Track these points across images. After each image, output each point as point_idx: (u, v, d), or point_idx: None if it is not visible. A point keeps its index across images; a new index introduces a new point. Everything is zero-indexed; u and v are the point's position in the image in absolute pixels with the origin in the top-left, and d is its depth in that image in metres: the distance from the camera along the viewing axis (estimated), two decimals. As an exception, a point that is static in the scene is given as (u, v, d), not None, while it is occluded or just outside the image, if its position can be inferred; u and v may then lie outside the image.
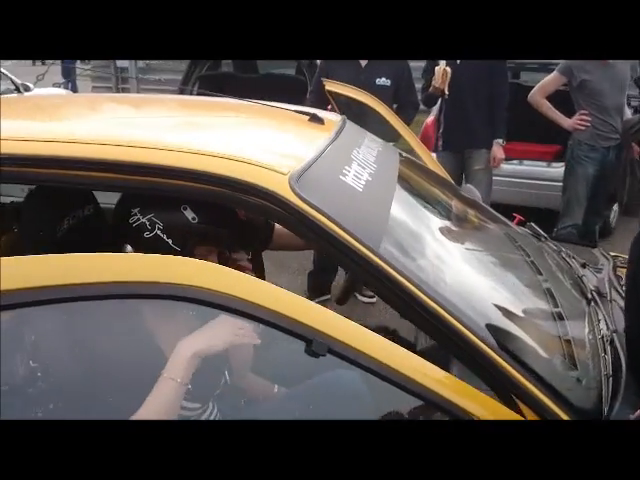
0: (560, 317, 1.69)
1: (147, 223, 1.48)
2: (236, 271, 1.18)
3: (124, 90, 11.30)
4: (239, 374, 1.58)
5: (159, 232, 1.48)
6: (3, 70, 8.10)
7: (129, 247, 1.50)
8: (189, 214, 1.50)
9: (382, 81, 4.26)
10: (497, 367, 1.32)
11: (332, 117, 2.16)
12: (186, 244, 1.50)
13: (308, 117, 1.92)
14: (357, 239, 1.34)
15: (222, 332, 1.32)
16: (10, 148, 1.42)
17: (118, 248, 1.51)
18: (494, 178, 4.61)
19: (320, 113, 2.05)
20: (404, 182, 1.97)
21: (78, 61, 12.64)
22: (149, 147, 1.43)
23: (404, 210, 1.75)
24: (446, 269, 1.59)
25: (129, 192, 1.51)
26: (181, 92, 6.51)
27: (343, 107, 3.73)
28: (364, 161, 1.77)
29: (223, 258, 1.60)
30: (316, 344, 1.12)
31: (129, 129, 1.66)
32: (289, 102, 2.58)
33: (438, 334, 1.35)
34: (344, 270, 1.40)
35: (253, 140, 1.67)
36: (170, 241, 1.48)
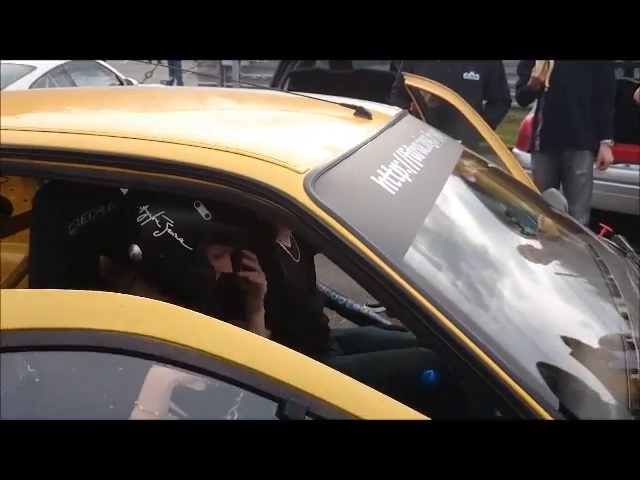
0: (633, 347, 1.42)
1: (157, 221, 1.37)
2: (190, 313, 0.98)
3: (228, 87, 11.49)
4: None
5: (170, 231, 1.37)
6: (108, 65, 8.46)
7: (136, 247, 1.39)
8: (202, 211, 1.37)
9: (470, 75, 4.01)
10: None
11: (386, 111, 1.96)
12: (198, 244, 1.38)
13: (354, 111, 1.74)
14: (372, 247, 1.16)
15: None
16: (18, 139, 1.35)
17: (125, 249, 1.40)
18: (595, 182, 4.21)
19: (371, 106, 1.86)
20: (461, 185, 1.75)
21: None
22: (157, 140, 1.31)
23: (449, 218, 1.53)
24: (493, 295, 1.35)
25: (136, 188, 1.39)
26: (273, 85, 6.50)
27: (426, 103, 3.51)
28: (409, 160, 1.57)
29: (236, 260, 1.47)
30: (291, 405, 0.89)
31: (144, 121, 1.56)
32: (380, 98, 2.42)
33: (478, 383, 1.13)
34: (361, 285, 1.21)
35: (279, 135, 1.52)
36: (181, 240, 1.37)
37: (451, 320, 1.13)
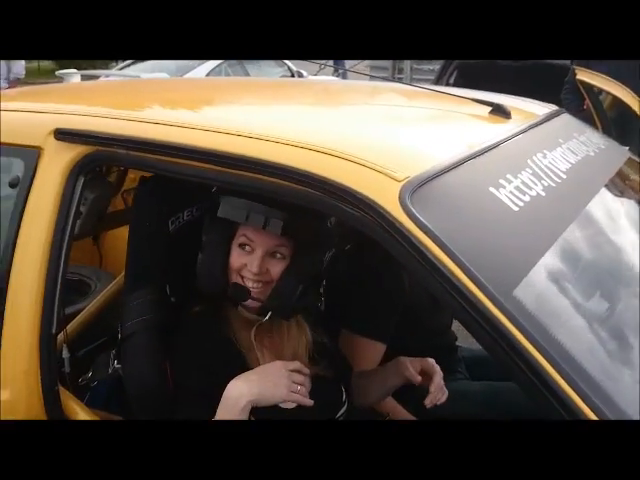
0: None
1: None
2: None
3: (399, 80, 11.36)
4: None
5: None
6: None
7: None
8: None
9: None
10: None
11: (535, 109, 1.69)
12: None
13: (490, 108, 1.51)
14: (469, 273, 0.95)
15: (280, 385, 1.21)
16: (132, 131, 1.31)
17: None
18: None
19: (519, 104, 1.62)
20: (615, 203, 1.44)
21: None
22: (246, 137, 1.20)
23: (588, 244, 1.25)
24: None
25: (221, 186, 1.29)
26: (436, 82, 6.22)
27: (603, 106, 3.11)
28: (547, 169, 1.32)
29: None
30: None
31: (245, 116, 1.45)
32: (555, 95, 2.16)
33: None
34: (459, 321, 1.00)
35: (385, 135, 1.33)
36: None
37: (566, 379, 0.89)
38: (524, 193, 1.19)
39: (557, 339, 0.93)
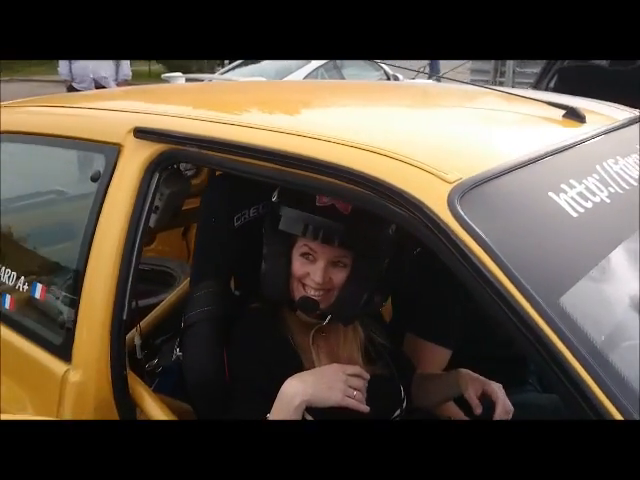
0: None
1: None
2: None
3: (500, 84, 11.09)
4: None
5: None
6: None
7: None
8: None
9: None
10: None
11: (615, 114, 1.62)
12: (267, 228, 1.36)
13: (564, 112, 1.46)
14: (516, 281, 0.93)
15: (335, 389, 1.21)
16: (203, 130, 1.38)
17: None
18: None
19: (601, 108, 1.56)
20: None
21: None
22: (304, 136, 1.23)
23: None
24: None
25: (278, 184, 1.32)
26: (535, 86, 6.03)
27: None
28: (617, 175, 1.26)
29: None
30: None
31: (312, 118, 1.47)
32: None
33: None
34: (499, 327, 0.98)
35: (446, 137, 1.32)
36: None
37: (605, 392, 0.86)
38: (587, 199, 1.15)
39: (599, 350, 0.90)
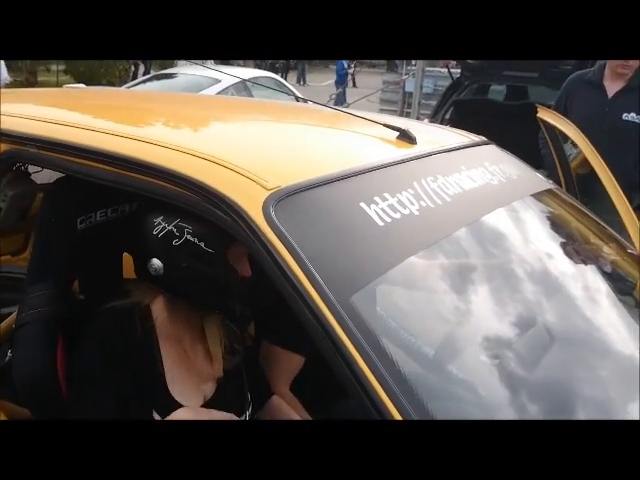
0: None
1: (174, 230, 1.32)
2: None
3: (407, 114, 11.49)
4: None
5: (189, 237, 1.31)
6: (287, 84, 8.82)
7: (156, 261, 1.33)
8: None
9: (631, 116, 3.53)
10: None
11: (453, 139, 1.75)
12: (218, 245, 1.32)
13: (397, 134, 1.57)
14: (314, 281, 1.01)
15: None
16: (42, 131, 1.39)
17: (143, 263, 1.36)
18: None
19: (435, 133, 1.68)
20: (495, 229, 1.50)
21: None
22: (143, 141, 1.28)
23: (439, 262, 1.30)
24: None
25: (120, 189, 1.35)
26: (432, 117, 6.32)
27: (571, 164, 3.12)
28: (433, 192, 1.37)
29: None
30: None
31: (148, 124, 1.52)
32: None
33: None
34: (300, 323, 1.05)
35: (278, 149, 1.40)
36: (202, 244, 1.31)
37: (379, 380, 0.94)
38: (396, 211, 1.24)
39: (378, 343, 0.98)
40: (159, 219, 1.33)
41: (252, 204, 1.11)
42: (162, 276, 1.35)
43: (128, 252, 1.50)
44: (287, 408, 1.61)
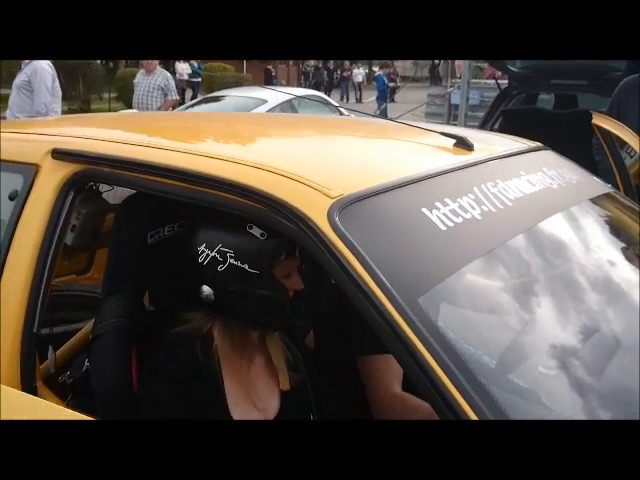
0: None
1: (217, 256, 1.34)
2: None
3: (454, 124, 11.42)
4: None
5: (232, 260, 1.33)
6: (332, 101, 8.90)
7: (206, 288, 1.37)
8: (256, 232, 1.32)
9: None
10: None
11: (511, 146, 1.75)
12: (262, 265, 1.33)
13: (455, 141, 1.59)
14: (380, 283, 1.03)
15: None
16: (114, 151, 1.46)
17: (195, 290, 1.39)
18: None
19: (494, 141, 1.69)
20: (554, 234, 1.49)
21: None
22: (207, 156, 1.33)
23: (503, 265, 1.30)
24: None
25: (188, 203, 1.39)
26: (481, 127, 6.27)
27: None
28: (493, 196, 1.38)
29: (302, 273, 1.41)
30: None
31: (214, 141, 1.57)
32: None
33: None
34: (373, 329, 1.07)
35: (339, 160, 1.44)
36: (246, 266, 1.33)
37: (454, 382, 0.96)
38: (458, 215, 1.26)
39: (450, 343, 1.00)
40: (202, 247, 1.36)
41: (317, 212, 1.14)
42: (214, 302, 1.37)
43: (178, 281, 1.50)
44: None
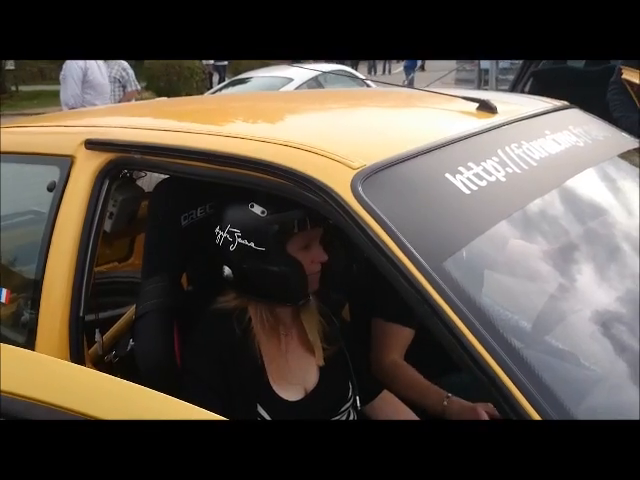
0: None
1: (228, 236, 1.38)
2: None
3: (484, 89, 11.23)
4: None
5: (239, 240, 1.37)
6: (359, 75, 8.84)
7: (225, 268, 1.41)
8: (257, 209, 1.35)
9: None
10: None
11: (537, 106, 1.74)
12: (267, 242, 1.35)
13: (477, 105, 1.59)
14: (405, 249, 1.06)
15: None
16: (144, 137, 1.51)
17: (220, 272, 1.42)
18: None
19: (517, 101, 1.68)
20: (586, 191, 1.48)
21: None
22: (228, 136, 1.37)
23: (531, 227, 1.31)
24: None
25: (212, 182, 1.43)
26: (511, 90, 6.16)
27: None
28: (518, 158, 1.38)
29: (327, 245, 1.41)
30: None
31: (241, 121, 1.60)
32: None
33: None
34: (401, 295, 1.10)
35: (359, 131, 1.45)
36: (252, 244, 1.35)
37: (481, 341, 0.98)
38: (482, 179, 1.27)
39: (477, 305, 1.02)
40: (217, 229, 1.40)
41: (340, 184, 1.17)
42: (234, 281, 1.41)
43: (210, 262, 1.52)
44: (397, 403, 1.61)
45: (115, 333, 1.99)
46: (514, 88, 6.27)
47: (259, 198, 1.34)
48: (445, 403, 1.56)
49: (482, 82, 12.02)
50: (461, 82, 13.20)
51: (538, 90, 5.92)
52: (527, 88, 6.19)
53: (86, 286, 1.54)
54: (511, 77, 9.73)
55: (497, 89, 9.94)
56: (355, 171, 1.18)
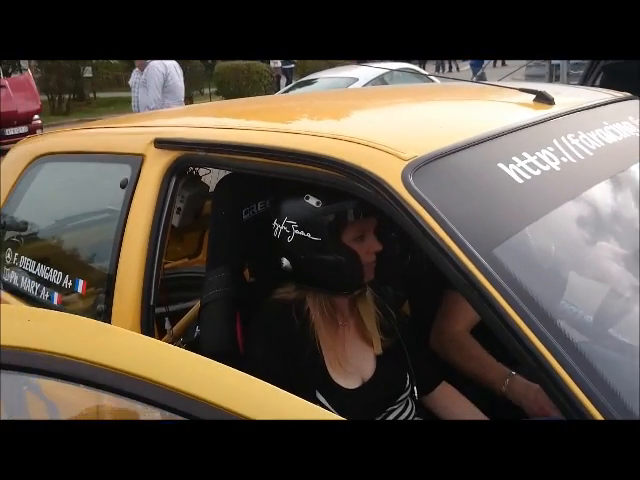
0: None
1: (285, 228, 1.43)
2: None
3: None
4: None
5: (297, 231, 1.41)
6: (424, 72, 8.79)
7: (284, 260, 1.45)
8: (312, 201, 1.39)
9: None
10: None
11: (599, 97, 1.72)
12: (323, 232, 1.39)
13: (534, 96, 1.59)
14: (455, 238, 1.08)
15: None
16: (207, 136, 1.59)
17: (279, 264, 1.47)
18: None
19: (578, 93, 1.68)
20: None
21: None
22: (286, 132, 1.42)
23: (584, 215, 1.30)
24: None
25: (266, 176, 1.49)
26: (581, 84, 6.00)
27: None
28: (574, 148, 1.38)
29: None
30: None
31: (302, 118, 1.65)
32: None
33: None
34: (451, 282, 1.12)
35: (414, 124, 1.48)
36: (309, 235, 1.39)
37: (530, 327, 1.00)
38: (535, 168, 1.28)
39: (527, 292, 1.04)
40: (275, 222, 1.45)
41: (391, 175, 1.20)
42: (293, 272, 1.45)
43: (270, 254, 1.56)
44: (456, 394, 1.61)
45: (184, 324, 2.09)
46: (584, 82, 6.11)
47: (314, 190, 1.39)
48: (507, 381, 1.55)
49: (553, 77, 11.71)
50: (531, 77, 12.89)
51: (609, 84, 5.75)
52: (597, 82, 6.03)
53: (156, 277, 1.63)
54: (581, 72, 9.44)
55: (568, 84, 9.66)
56: (406, 162, 1.22)
